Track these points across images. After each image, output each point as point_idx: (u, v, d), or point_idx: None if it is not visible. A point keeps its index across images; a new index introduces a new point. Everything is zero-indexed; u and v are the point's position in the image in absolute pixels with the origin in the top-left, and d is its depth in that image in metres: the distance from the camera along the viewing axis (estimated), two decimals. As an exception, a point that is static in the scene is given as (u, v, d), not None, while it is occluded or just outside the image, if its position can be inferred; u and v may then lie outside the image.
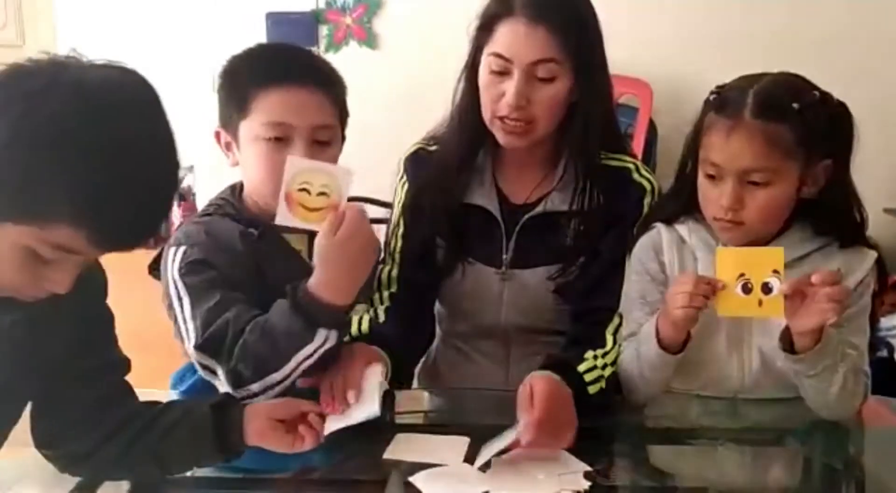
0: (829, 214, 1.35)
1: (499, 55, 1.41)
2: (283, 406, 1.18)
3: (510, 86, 1.40)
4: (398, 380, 1.41)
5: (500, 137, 1.46)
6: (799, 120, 1.27)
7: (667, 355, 1.31)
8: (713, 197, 1.33)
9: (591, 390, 1.36)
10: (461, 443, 1.27)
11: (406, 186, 1.59)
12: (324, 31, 3.33)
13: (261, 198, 1.40)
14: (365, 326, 1.45)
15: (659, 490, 1.25)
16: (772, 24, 3.07)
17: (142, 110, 0.95)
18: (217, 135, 1.43)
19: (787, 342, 1.27)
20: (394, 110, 2.94)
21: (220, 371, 1.27)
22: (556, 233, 1.51)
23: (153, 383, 1.48)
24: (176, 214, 2.76)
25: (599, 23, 1.46)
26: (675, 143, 1.43)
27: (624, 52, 2.92)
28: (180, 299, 1.31)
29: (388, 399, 1.30)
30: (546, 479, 1.18)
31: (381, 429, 1.31)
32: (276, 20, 3.31)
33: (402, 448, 1.28)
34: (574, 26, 1.42)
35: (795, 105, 1.27)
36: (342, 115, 1.43)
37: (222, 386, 1.28)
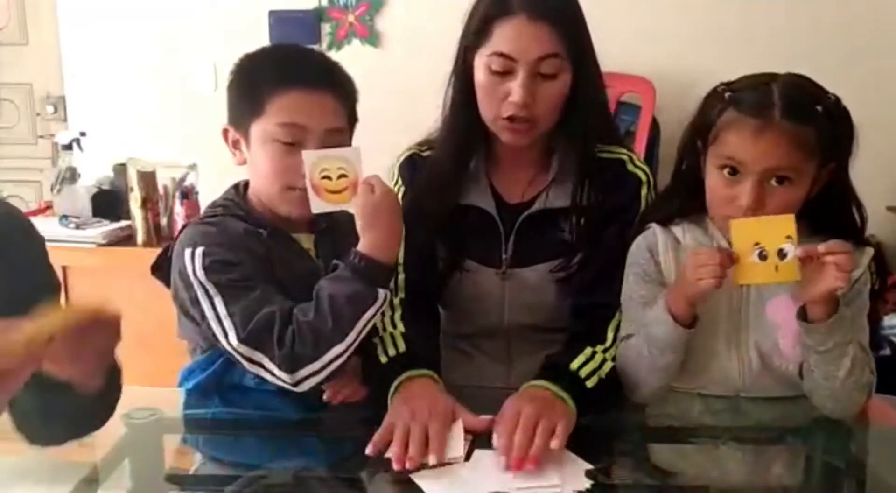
0: (828, 213, 1.36)
1: (501, 54, 1.40)
2: None
3: (515, 84, 1.40)
4: None
5: (505, 137, 1.46)
6: (821, 122, 1.28)
7: (682, 330, 1.31)
8: (728, 195, 1.32)
9: (589, 384, 1.36)
10: (466, 442, 1.26)
11: (402, 190, 1.58)
12: (326, 28, 3.33)
13: (268, 197, 1.41)
14: (402, 344, 1.44)
15: (661, 489, 1.25)
16: (774, 21, 3.06)
17: None
18: (225, 132, 1.44)
19: (803, 313, 1.29)
20: (395, 108, 2.94)
21: (268, 362, 1.28)
22: (554, 229, 1.51)
23: (156, 381, 1.49)
24: (179, 212, 2.76)
25: (585, 21, 1.47)
26: (679, 141, 1.43)
27: (626, 50, 2.95)
28: (210, 298, 1.31)
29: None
30: (548, 478, 1.18)
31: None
32: (278, 18, 3.31)
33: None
34: (570, 21, 1.43)
35: (819, 107, 1.28)
36: (352, 120, 1.45)
37: (272, 377, 1.29)
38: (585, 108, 1.47)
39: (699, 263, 1.27)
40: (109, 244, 2.78)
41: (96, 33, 3.48)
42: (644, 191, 1.52)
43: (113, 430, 1.25)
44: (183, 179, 2.82)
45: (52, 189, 3.05)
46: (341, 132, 1.40)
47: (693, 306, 1.31)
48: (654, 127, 3.01)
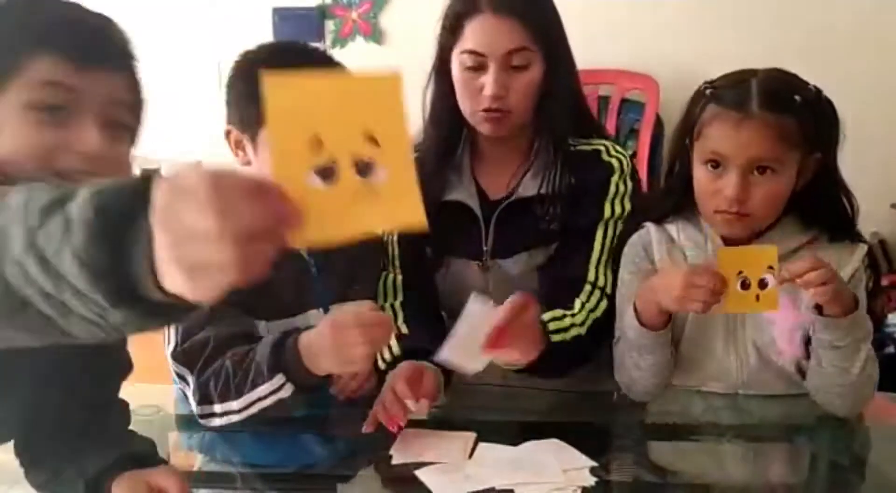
0: (817, 206, 1.36)
1: (472, 51, 1.44)
2: None
3: (488, 78, 1.43)
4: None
5: (482, 128, 1.49)
6: (801, 112, 1.29)
7: (653, 334, 1.33)
8: (715, 189, 1.33)
9: (554, 338, 1.40)
10: (468, 439, 1.27)
11: None
12: (330, 26, 3.33)
13: None
14: (396, 349, 1.45)
15: (664, 487, 1.25)
16: (779, 18, 3.05)
17: None
18: (227, 133, 1.41)
19: (820, 308, 1.29)
20: (400, 106, 2.94)
21: (188, 386, 1.29)
22: (532, 218, 1.52)
23: (160, 378, 1.49)
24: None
25: (557, 11, 1.50)
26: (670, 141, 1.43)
27: (630, 48, 2.94)
28: None
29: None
30: (551, 475, 1.18)
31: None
32: (282, 15, 3.31)
33: (407, 444, 1.28)
34: (538, 15, 1.46)
35: (798, 98, 1.29)
36: None
37: (191, 400, 1.29)
38: (557, 96, 1.50)
39: (693, 283, 1.26)
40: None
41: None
42: (615, 177, 1.53)
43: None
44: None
45: (55, 187, 3.06)
46: None
47: (665, 314, 1.32)
48: (658, 124, 3.01)
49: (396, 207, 0.63)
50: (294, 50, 1.48)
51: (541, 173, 1.53)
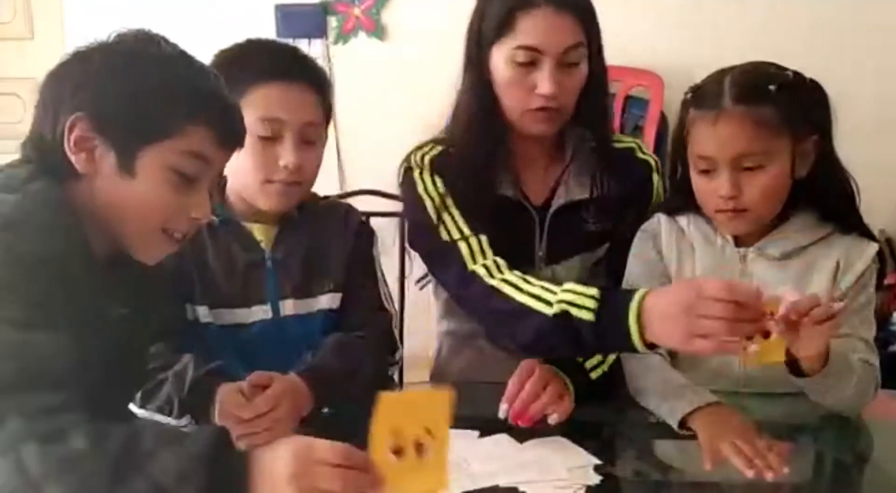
0: (827, 194, 1.35)
1: (527, 47, 1.39)
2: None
3: (543, 76, 1.39)
4: None
5: (533, 127, 1.45)
6: (779, 99, 1.29)
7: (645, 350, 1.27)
8: (710, 190, 1.34)
9: (594, 375, 1.37)
10: (470, 437, 1.28)
11: (437, 179, 1.49)
12: (332, 22, 3.32)
13: (245, 190, 1.43)
14: (592, 291, 1.26)
15: (668, 485, 1.25)
16: (783, 15, 3.04)
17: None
18: None
19: (795, 368, 1.26)
20: (402, 101, 2.94)
21: None
22: (580, 222, 1.51)
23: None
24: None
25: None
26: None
27: (635, 44, 2.93)
28: None
29: None
30: (556, 473, 1.17)
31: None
32: (285, 12, 3.30)
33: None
34: (589, 11, 1.44)
35: (772, 86, 1.29)
36: (327, 116, 1.45)
37: None
38: (600, 96, 1.48)
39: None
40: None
41: (101, 28, 3.47)
42: (655, 177, 1.54)
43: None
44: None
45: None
46: (318, 126, 1.42)
47: None
48: (663, 121, 3.00)
49: (435, 475, 0.96)
50: (264, 43, 1.49)
51: (584, 175, 1.50)
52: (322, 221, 1.50)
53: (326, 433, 0.96)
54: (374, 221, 1.68)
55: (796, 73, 1.33)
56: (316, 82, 1.42)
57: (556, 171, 1.53)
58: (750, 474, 1.14)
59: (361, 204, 1.76)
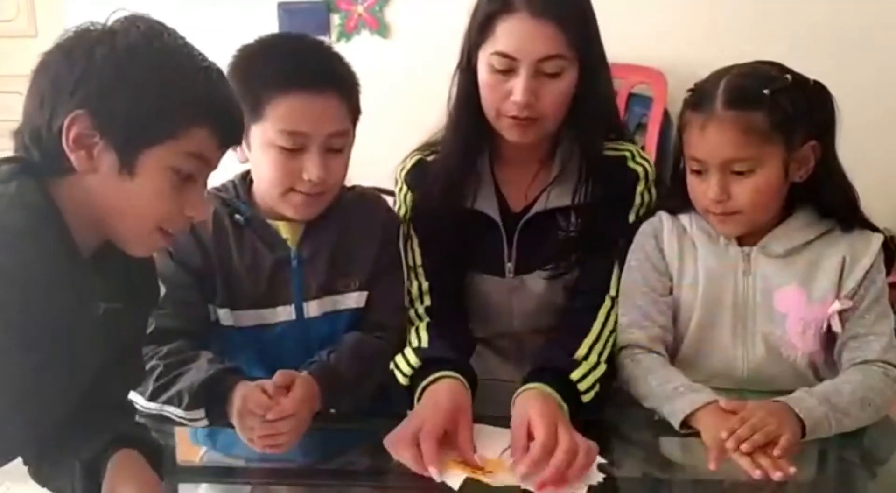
0: (827, 195, 1.35)
1: (503, 54, 1.36)
2: None
3: (517, 84, 1.36)
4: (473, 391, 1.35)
5: (508, 134, 1.43)
6: (772, 105, 1.27)
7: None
8: (701, 191, 1.34)
9: (585, 398, 1.32)
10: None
11: (409, 196, 1.55)
12: (336, 20, 3.32)
13: (271, 199, 1.38)
14: (414, 360, 1.36)
15: (672, 483, 1.25)
16: (787, 12, 3.03)
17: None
18: None
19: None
20: (405, 99, 2.93)
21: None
22: (554, 229, 1.49)
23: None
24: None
25: (595, 14, 1.42)
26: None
27: (638, 42, 2.92)
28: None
29: None
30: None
31: (391, 422, 1.32)
32: (288, 9, 3.30)
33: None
34: (577, 19, 1.38)
35: (766, 91, 1.27)
36: (355, 117, 1.39)
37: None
38: (591, 106, 1.43)
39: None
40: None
41: (105, 25, 3.48)
42: (640, 186, 1.50)
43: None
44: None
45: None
46: (345, 135, 1.35)
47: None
48: (666, 119, 2.99)
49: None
50: (288, 44, 1.41)
51: (569, 183, 1.47)
52: (350, 215, 1.44)
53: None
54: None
55: (797, 76, 1.31)
56: (343, 89, 1.34)
57: (544, 175, 1.50)
58: (756, 474, 1.14)
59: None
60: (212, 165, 1.06)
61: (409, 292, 1.51)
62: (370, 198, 1.53)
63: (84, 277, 0.99)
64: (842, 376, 1.32)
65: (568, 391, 1.30)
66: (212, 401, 1.22)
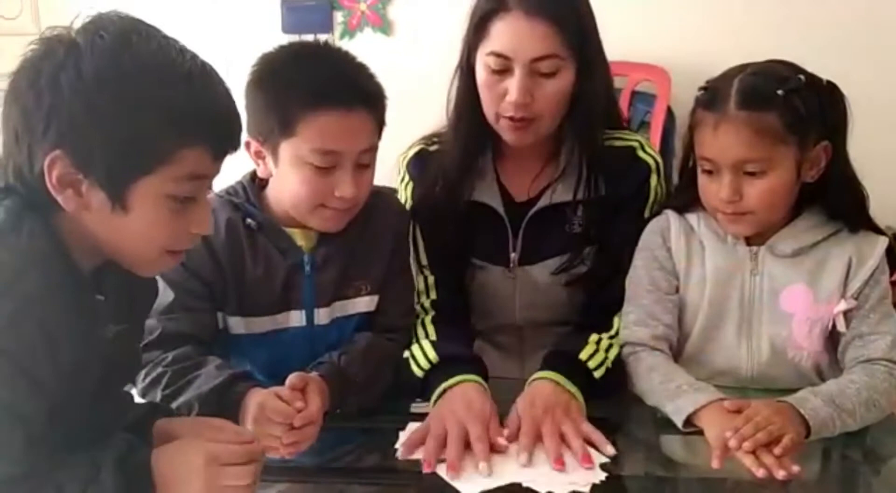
0: (836, 196, 1.34)
1: (497, 54, 1.36)
2: None
3: (512, 84, 1.36)
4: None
5: (506, 136, 1.44)
6: (785, 106, 1.27)
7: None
8: (712, 191, 1.33)
9: (597, 374, 1.36)
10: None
11: (411, 186, 1.55)
12: (339, 17, 3.31)
13: (297, 212, 1.36)
14: (433, 355, 1.39)
15: (675, 482, 1.25)
16: (791, 10, 3.02)
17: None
18: (247, 144, 1.33)
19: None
20: (408, 97, 2.92)
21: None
22: (562, 224, 1.49)
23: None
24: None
25: (592, 10, 1.42)
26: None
27: (641, 39, 2.92)
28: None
29: None
30: (567, 473, 1.17)
31: (394, 418, 1.31)
32: (291, 7, 3.29)
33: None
34: (572, 17, 1.37)
35: (780, 91, 1.27)
36: (382, 130, 1.37)
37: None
38: (590, 102, 1.43)
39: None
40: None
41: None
42: (654, 179, 1.50)
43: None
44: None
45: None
46: (373, 150, 1.34)
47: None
48: (670, 116, 2.99)
49: None
50: (316, 57, 1.36)
51: (573, 178, 1.47)
52: (364, 218, 1.42)
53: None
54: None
55: (810, 76, 1.31)
56: (373, 105, 1.32)
57: (548, 171, 1.51)
58: (760, 473, 1.14)
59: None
60: (210, 178, 1.00)
61: (421, 288, 1.53)
62: (383, 197, 1.50)
63: (92, 303, 0.96)
64: (846, 376, 1.31)
65: (576, 370, 1.33)
66: (223, 407, 1.20)
